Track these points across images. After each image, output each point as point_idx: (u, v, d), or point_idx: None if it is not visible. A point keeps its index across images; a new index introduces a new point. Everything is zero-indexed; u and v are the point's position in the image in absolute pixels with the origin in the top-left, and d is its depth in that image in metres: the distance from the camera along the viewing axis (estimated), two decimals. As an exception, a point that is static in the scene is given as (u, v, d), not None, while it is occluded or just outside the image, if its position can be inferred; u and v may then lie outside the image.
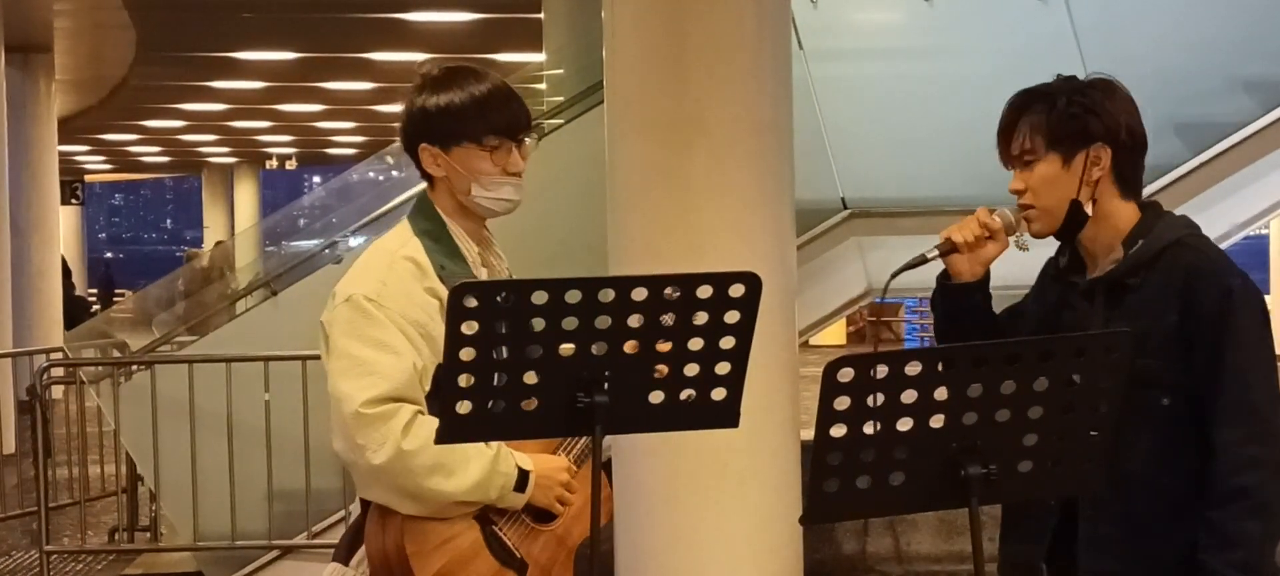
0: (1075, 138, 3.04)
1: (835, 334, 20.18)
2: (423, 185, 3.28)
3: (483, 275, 3.20)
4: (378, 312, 3.05)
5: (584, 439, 3.19)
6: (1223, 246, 9.33)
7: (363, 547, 3.15)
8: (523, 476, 3.11)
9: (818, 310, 8.32)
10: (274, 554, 8.18)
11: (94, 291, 29.99)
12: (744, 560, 5.91)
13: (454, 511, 3.07)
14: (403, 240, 3.17)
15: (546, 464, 3.16)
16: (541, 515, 3.19)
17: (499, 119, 3.16)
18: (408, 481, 3.02)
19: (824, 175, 8.21)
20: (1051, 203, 3.03)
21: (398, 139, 3.36)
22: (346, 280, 3.15)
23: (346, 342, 3.07)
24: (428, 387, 3.06)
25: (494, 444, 3.06)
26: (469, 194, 3.17)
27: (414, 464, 3.00)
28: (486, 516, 3.11)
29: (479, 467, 3.05)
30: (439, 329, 2.97)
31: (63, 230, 21.19)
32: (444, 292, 3.04)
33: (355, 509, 3.29)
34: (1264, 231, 17.04)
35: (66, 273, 19.33)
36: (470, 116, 3.14)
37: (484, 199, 3.18)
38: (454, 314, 2.62)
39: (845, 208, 8.22)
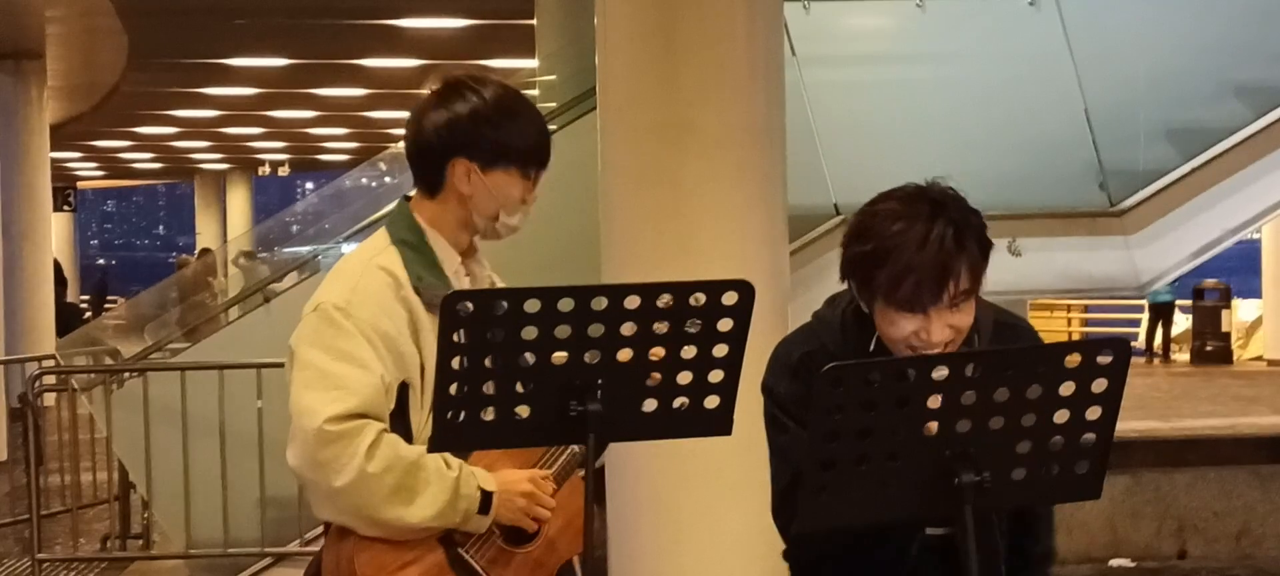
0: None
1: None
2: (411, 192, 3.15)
3: (466, 285, 3.08)
4: (346, 322, 2.92)
5: (567, 452, 3.08)
6: (1215, 252, 9.37)
7: None
8: (486, 497, 2.97)
9: (810, 315, 8.31)
10: (267, 561, 8.17)
11: (87, 298, 29.95)
12: (736, 566, 5.91)
13: (415, 536, 2.95)
14: (378, 249, 3.05)
15: (507, 479, 3.00)
16: (517, 536, 3.05)
17: (545, 153, 3.11)
18: (367, 506, 2.89)
19: (816, 180, 8.22)
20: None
21: (390, 145, 3.30)
22: (319, 291, 3.04)
23: (312, 353, 2.93)
24: (391, 404, 2.93)
25: (455, 464, 2.94)
26: (494, 219, 3.07)
27: (376, 487, 2.87)
28: (452, 538, 2.98)
29: (440, 493, 2.91)
30: (407, 344, 2.94)
31: (55, 237, 21.14)
32: (418, 305, 2.97)
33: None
34: (1255, 236, 17.06)
35: (62, 280, 19.31)
36: (529, 149, 3.06)
37: (501, 226, 3.10)
38: (447, 322, 2.60)
39: (838, 213, 8.22)
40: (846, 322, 2.80)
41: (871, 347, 2.76)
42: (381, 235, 3.10)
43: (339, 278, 3.04)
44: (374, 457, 2.87)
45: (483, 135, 3.04)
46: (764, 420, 2.86)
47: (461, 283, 3.09)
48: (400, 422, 2.96)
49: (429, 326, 2.95)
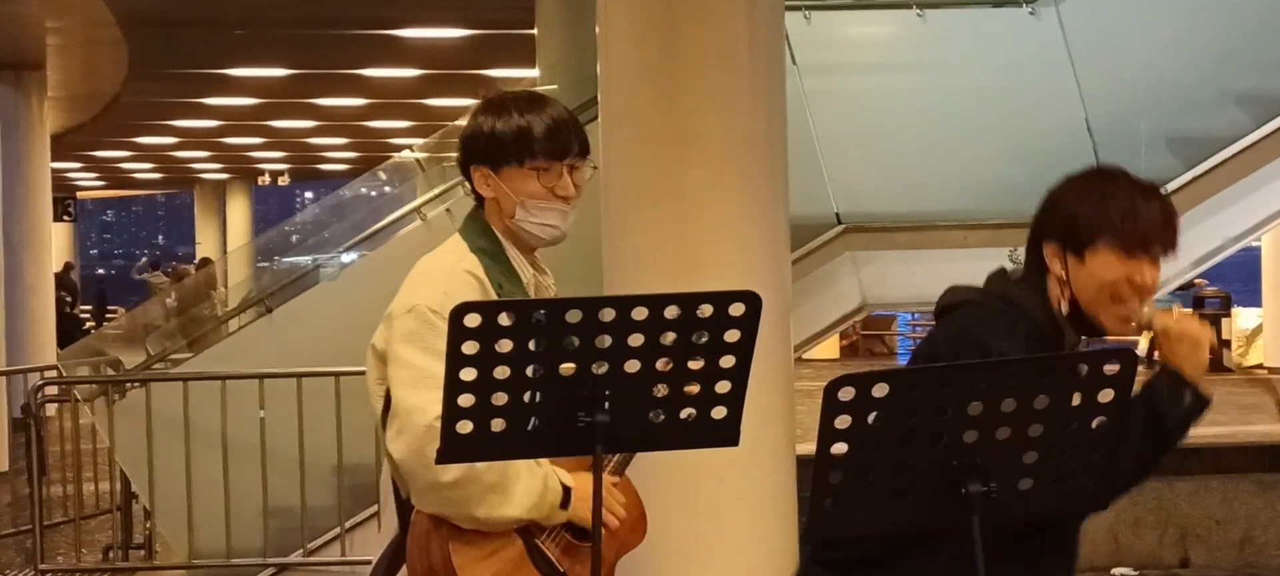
0: None
1: (828, 348, 20.17)
2: (471, 203, 3.26)
3: (533, 295, 3.19)
4: (443, 324, 2.91)
5: (619, 454, 3.20)
6: (1215, 260, 9.37)
7: (403, 568, 3.13)
8: (567, 492, 3.12)
9: (813, 325, 8.32)
10: (269, 571, 8.18)
11: (88, 308, 29.94)
12: (740, 574, 5.91)
13: (507, 527, 3.08)
14: (460, 255, 3.16)
15: (584, 481, 3.11)
16: (579, 531, 3.19)
17: (547, 142, 3.14)
18: (472, 499, 3.01)
19: (818, 190, 8.23)
20: None
21: (391, 155, 3.35)
22: (404, 293, 3.13)
23: (412, 353, 3.03)
24: None
25: (542, 463, 3.06)
26: (514, 218, 3.15)
27: (479, 482, 2.99)
28: (529, 530, 3.11)
29: (533, 488, 3.05)
30: None
31: (55, 247, 21.15)
32: None
33: (388, 526, 3.23)
34: (1256, 245, 17.07)
35: (72, 289, 19.26)
36: (516, 139, 3.13)
37: (527, 223, 3.15)
38: (454, 333, 2.62)
39: (839, 222, 8.23)
40: (1035, 298, 2.91)
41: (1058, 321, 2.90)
42: (459, 242, 3.19)
43: (429, 281, 3.12)
44: None
45: (482, 138, 3.16)
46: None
47: (537, 293, 3.20)
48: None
49: None
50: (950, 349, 2.83)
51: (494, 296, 3.07)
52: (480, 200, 3.21)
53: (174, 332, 10.90)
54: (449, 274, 3.11)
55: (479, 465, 2.96)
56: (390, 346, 3.09)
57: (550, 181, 3.14)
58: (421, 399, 2.98)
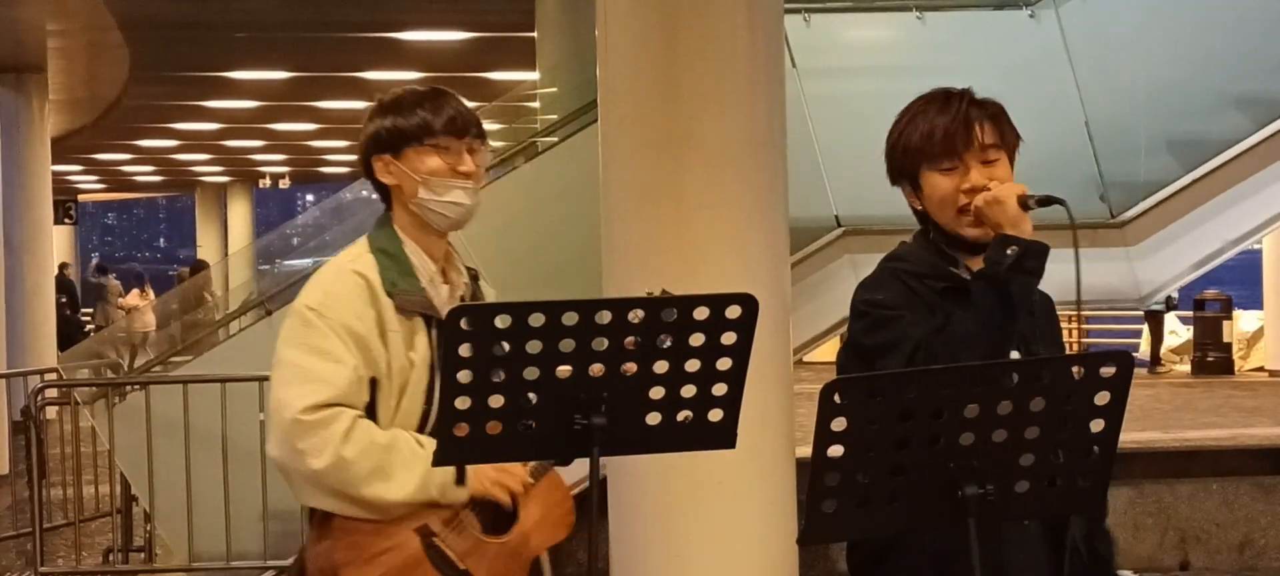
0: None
1: (828, 351, 20.15)
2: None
3: (443, 292, 3.21)
4: (320, 322, 3.09)
5: (535, 463, 3.19)
6: (1216, 263, 9.36)
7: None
8: (461, 470, 3.11)
9: (812, 328, 8.32)
10: (269, 573, 8.17)
11: (88, 311, 29.92)
12: (740, 578, 5.91)
13: (397, 513, 3.07)
14: (355, 256, 3.22)
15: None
16: (494, 527, 3.17)
17: (443, 119, 3.20)
18: (349, 486, 3.04)
19: (817, 192, 8.23)
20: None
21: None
22: (299, 295, 3.21)
23: (289, 352, 3.12)
24: (366, 396, 3.09)
25: (428, 442, 3.05)
26: (418, 198, 3.18)
27: (355, 471, 3.02)
28: (428, 529, 3.10)
29: (416, 469, 3.06)
30: (376, 344, 3.10)
31: (56, 250, 21.16)
32: (389, 308, 3.12)
33: None
34: (1257, 247, 17.06)
35: (68, 291, 19.24)
36: (415, 118, 3.20)
37: (433, 202, 3.18)
38: (450, 336, 2.62)
39: (839, 225, 8.23)
40: (915, 242, 3.09)
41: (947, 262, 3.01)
42: (361, 243, 3.26)
43: (315, 283, 3.21)
44: (350, 441, 3.03)
45: (380, 128, 3.23)
46: (856, 336, 2.99)
47: (438, 289, 3.21)
48: (369, 416, 3.11)
49: (397, 328, 3.13)
50: (848, 326, 3.01)
51: (381, 296, 3.13)
52: (387, 197, 3.25)
53: (173, 336, 10.89)
54: (336, 275, 3.18)
55: (349, 451, 3.01)
56: (277, 347, 3.16)
57: (451, 159, 3.19)
58: (289, 393, 3.06)
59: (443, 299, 3.20)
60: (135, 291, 25.19)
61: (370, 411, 3.10)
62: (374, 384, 3.11)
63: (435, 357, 3.13)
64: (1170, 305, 18.33)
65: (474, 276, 3.33)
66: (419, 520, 3.09)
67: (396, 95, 3.27)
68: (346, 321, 3.09)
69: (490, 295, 3.37)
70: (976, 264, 2.96)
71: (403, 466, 3.05)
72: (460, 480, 3.10)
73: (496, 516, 3.18)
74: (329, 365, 3.06)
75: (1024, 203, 2.89)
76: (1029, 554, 2.88)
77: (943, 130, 2.99)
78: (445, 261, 3.26)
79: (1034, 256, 2.85)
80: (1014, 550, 2.82)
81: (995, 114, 3.05)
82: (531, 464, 3.19)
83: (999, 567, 2.71)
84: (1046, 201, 2.90)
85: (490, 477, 3.13)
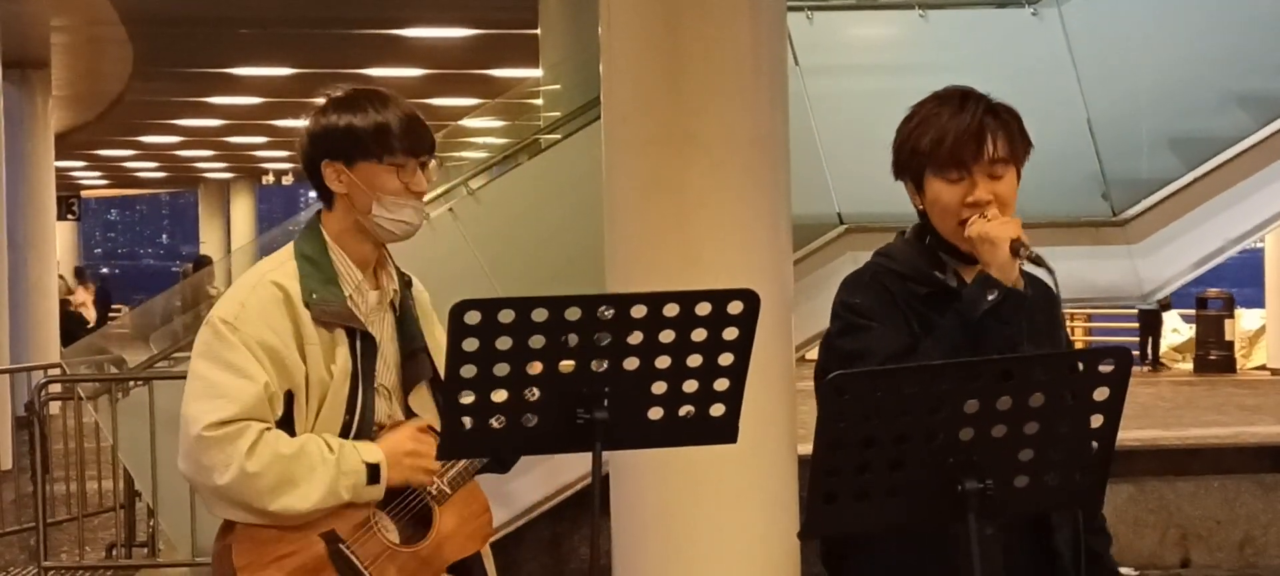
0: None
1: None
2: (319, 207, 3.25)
3: (370, 298, 3.17)
4: (232, 336, 3.05)
5: (463, 463, 3.14)
6: (1218, 261, 9.36)
7: None
8: (373, 469, 3.06)
9: (814, 325, 8.32)
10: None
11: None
12: (741, 575, 5.92)
13: (310, 520, 3.03)
14: (277, 264, 3.16)
15: (391, 442, 3.09)
16: (412, 533, 3.13)
17: (404, 139, 3.13)
18: (254, 499, 3.00)
19: (820, 190, 8.24)
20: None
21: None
22: (217, 303, 3.16)
23: (200, 364, 3.07)
24: (278, 411, 3.05)
25: (336, 443, 3.04)
26: (369, 213, 3.13)
27: (259, 484, 2.99)
28: (334, 534, 3.06)
29: (324, 475, 3.02)
30: (292, 356, 3.05)
31: (58, 246, 21.19)
32: (306, 319, 3.07)
33: None
34: (1259, 245, 17.07)
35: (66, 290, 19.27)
36: (375, 134, 3.12)
37: (384, 219, 3.13)
38: (455, 331, 2.63)
39: (841, 222, 8.24)
40: (909, 240, 3.05)
41: (936, 269, 2.99)
42: (286, 249, 3.20)
43: (232, 293, 3.15)
44: (253, 456, 2.99)
45: (333, 132, 3.15)
46: (831, 337, 3.00)
47: (365, 296, 3.17)
48: (286, 429, 3.07)
49: (316, 340, 3.08)
50: (829, 323, 3.01)
51: (298, 306, 3.07)
52: (329, 199, 3.18)
53: (177, 331, 10.90)
54: (254, 285, 3.12)
55: (253, 465, 2.98)
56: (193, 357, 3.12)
57: (406, 177, 3.14)
58: (195, 409, 3.03)
59: (369, 305, 3.16)
60: (80, 287, 25.21)
61: (287, 422, 3.06)
62: (290, 397, 3.06)
63: (357, 369, 3.09)
64: (1164, 306, 18.33)
65: (406, 282, 3.27)
66: (327, 525, 3.05)
67: (351, 96, 3.19)
68: (259, 335, 3.04)
69: (424, 302, 3.31)
70: (970, 272, 2.95)
71: (308, 472, 3.01)
72: (374, 478, 3.05)
73: (416, 523, 3.14)
74: (237, 381, 3.01)
75: (1015, 249, 2.84)
76: (990, 563, 2.86)
77: (953, 140, 2.93)
78: (378, 265, 3.21)
79: (1012, 306, 2.82)
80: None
81: (1008, 123, 2.99)
82: (450, 475, 3.14)
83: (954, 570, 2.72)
84: (1037, 260, 2.85)
85: (408, 465, 3.07)
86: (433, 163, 3.21)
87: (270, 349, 3.04)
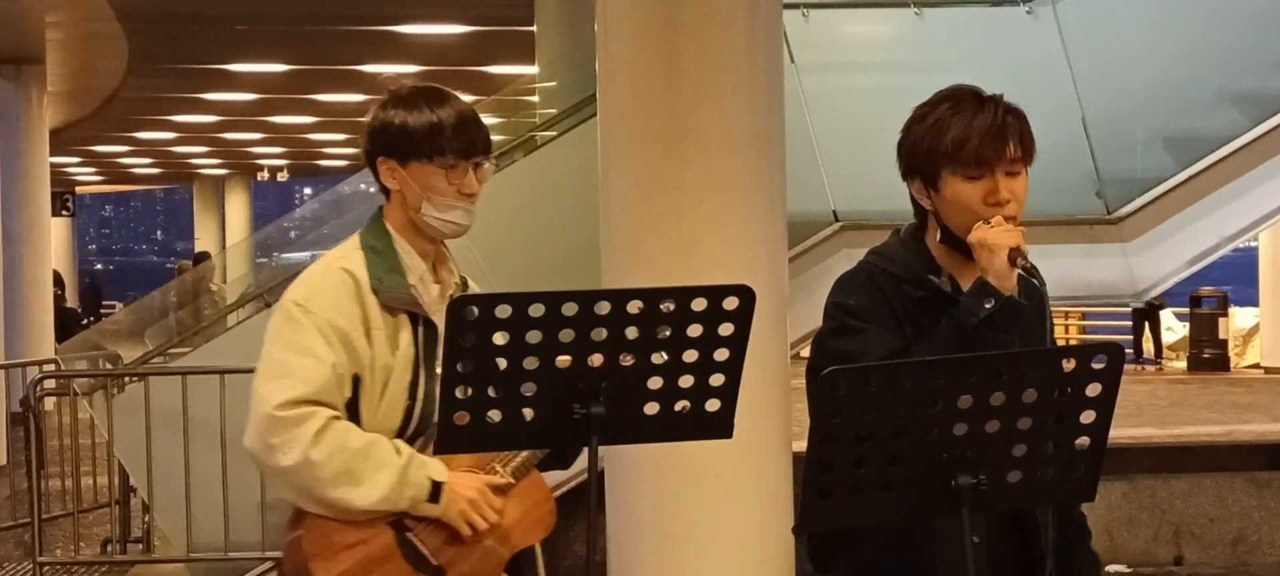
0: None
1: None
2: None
3: (433, 291, 3.22)
4: (304, 318, 3.11)
5: (526, 453, 3.18)
6: (1211, 259, 9.38)
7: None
8: (436, 487, 3.09)
9: (809, 322, 8.28)
10: (267, 565, 8.19)
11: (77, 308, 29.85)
12: (736, 570, 5.94)
13: (363, 518, 3.07)
14: (345, 253, 3.23)
15: (460, 479, 3.12)
16: (440, 545, 3.14)
17: (455, 140, 3.17)
18: (314, 487, 3.05)
19: (815, 187, 8.25)
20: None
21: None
22: (290, 288, 3.23)
23: (272, 346, 3.15)
24: (347, 392, 3.10)
25: (406, 452, 3.08)
26: (419, 211, 3.19)
27: (321, 472, 3.03)
28: (402, 523, 3.10)
29: (387, 478, 3.05)
30: (361, 341, 3.11)
31: (53, 242, 21.16)
32: (374, 306, 3.13)
33: None
34: (1253, 244, 17.10)
35: (58, 282, 19.27)
36: (427, 135, 3.17)
37: (433, 218, 3.19)
38: (452, 326, 2.65)
39: (836, 220, 8.25)
40: (904, 240, 3.04)
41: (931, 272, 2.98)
42: (353, 240, 3.27)
43: (304, 278, 3.22)
44: (320, 443, 3.03)
45: (388, 132, 3.20)
46: (824, 336, 3.00)
47: (428, 288, 3.22)
48: (351, 414, 3.12)
49: (381, 326, 3.14)
50: (822, 321, 3.00)
51: (366, 292, 3.13)
52: (386, 194, 3.25)
53: (172, 328, 10.91)
54: (325, 271, 3.19)
55: (317, 453, 3.02)
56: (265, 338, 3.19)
57: (456, 179, 3.18)
58: (267, 388, 3.09)
59: (432, 298, 3.20)
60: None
61: (354, 407, 3.11)
62: (357, 381, 3.11)
63: (419, 355, 3.14)
64: (1157, 306, 18.35)
65: (463, 283, 3.32)
66: (391, 515, 3.08)
67: (409, 93, 3.24)
68: (330, 317, 3.10)
69: None
70: (965, 274, 2.95)
71: (373, 471, 3.04)
72: (434, 497, 3.08)
73: (451, 536, 3.14)
74: (308, 361, 3.07)
75: (1013, 258, 2.85)
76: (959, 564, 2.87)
77: (977, 139, 2.92)
78: (437, 261, 3.27)
79: (1008, 316, 2.82)
80: (950, 562, 2.81)
81: (1023, 124, 3.00)
82: (514, 464, 3.17)
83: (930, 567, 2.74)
84: (1031, 271, 2.86)
85: (459, 510, 3.09)
86: (487, 164, 3.25)
87: (341, 331, 3.10)
